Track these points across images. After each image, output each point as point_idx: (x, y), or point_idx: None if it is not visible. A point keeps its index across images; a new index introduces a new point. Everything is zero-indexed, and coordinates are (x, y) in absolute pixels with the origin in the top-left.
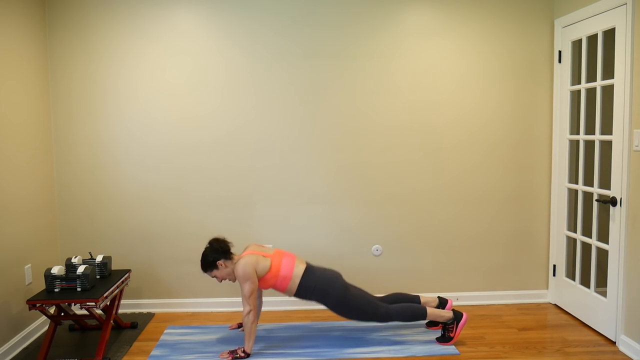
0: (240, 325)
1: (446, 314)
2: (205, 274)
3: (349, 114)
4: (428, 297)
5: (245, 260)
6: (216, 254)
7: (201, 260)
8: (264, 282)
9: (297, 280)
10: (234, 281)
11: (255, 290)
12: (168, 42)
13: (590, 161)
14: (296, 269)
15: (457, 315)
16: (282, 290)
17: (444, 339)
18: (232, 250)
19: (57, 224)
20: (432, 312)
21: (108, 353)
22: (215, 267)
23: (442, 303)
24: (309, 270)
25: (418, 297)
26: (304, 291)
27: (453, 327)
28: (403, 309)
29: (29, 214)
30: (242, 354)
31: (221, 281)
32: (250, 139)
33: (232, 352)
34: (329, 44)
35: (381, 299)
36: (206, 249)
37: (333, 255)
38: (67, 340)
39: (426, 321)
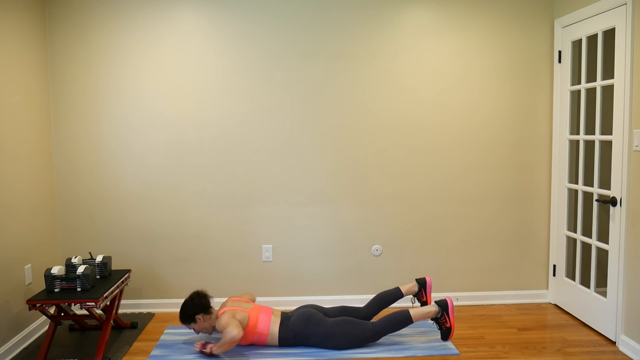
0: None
1: (431, 308)
2: (183, 325)
3: (348, 114)
4: (407, 286)
5: (225, 315)
6: (196, 308)
7: (180, 312)
8: (242, 337)
9: (275, 336)
10: (210, 333)
11: (236, 320)
12: (168, 42)
13: (590, 161)
14: (272, 325)
15: (442, 305)
16: (263, 344)
17: (445, 334)
18: (212, 303)
19: (57, 223)
20: (417, 313)
21: (108, 353)
22: (194, 320)
23: (421, 284)
24: (284, 322)
25: (398, 289)
26: (285, 342)
27: (445, 318)
28: (387, 322)
29: (29, 213)
30: (208, 351)
31: (198, 333)
32: (250, 138)
33: (204, 345)
34: (327, 46)
35: (364, 308)
36: (187, 302)
37: (333, 255)
38: (67, 340)
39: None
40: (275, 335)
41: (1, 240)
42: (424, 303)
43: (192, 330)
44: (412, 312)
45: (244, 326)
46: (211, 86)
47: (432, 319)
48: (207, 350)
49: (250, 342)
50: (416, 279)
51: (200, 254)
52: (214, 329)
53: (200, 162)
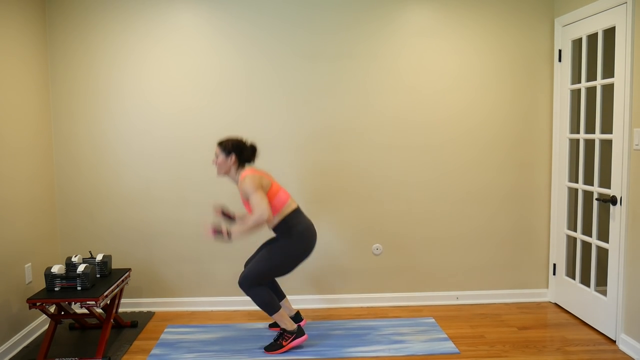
0: (224, 214)
1: (292, 324)
2: (216, 147)
3: (347, 113)
4: (289, 305)
5: (251, 174)
6: (240, 152)
7: (227, 139)
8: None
9: (283, 215)
10: (218, 174)
11: (265, 195)
12: (168, 41)
13: (591, 160)
14: (288, 205)
15: (300, 331)
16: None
17: (273, 347)
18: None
19: (57, 222)
20: (283, 315)
21: (108, 352)
22: (228, 154)
23: (296, 318)
24: (299, 212)
25: (285, 296)
26: (282, 227)
27: (290, 338)
28: (264, 291)
29: (29, 212)
30: (225, 233)
31: (214, 163)
32: (250, 137)
33: (217, 228)
34: (327, 46)
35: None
36: (240, 140)
37: (333, 254)
38: (67, 339)
39: (272, 321)
40: (282, 216)
41: (1, 239)
42: (280, 345)
43: (218, 235)
44: (281, 311)
45: (265, 192)
46: (211, 85)
47: (280, 329)
48: (224, 231)
49: None
50: (297, 322)
51: (201, 253)
52: (225, 175)
53: (201, 160)
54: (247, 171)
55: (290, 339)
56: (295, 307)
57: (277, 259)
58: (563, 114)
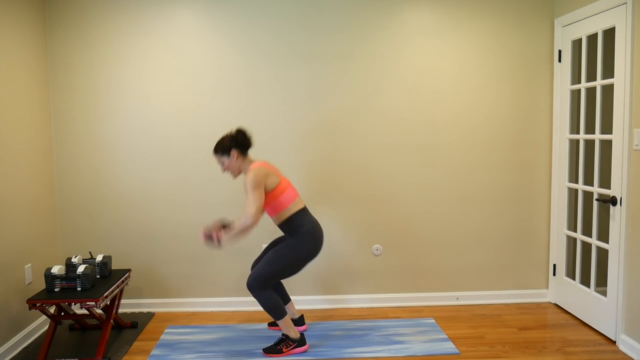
0: (223, 227)
1: (296, 332)
2: (215, 157)
3: (347, 113)
4: (294, 309)
5: (258, 168)
6: (235, 143)
7: (217, 143)
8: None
9: (289, 213)
10: (234, 177)
11: (262, 203)
12: (168, 42)
13: (591, 160)
14: (294, 203)
15: (302, 341)
16: (272, 214)
17: (273, 350)
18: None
19: (57, 223)
20: (288, 322)
21: (108, 352)
22: (228, 154)
23: (299, 322)
24: (305, 211)
25: (290, 300)
26: (288, 226)
27: (291, 345)
28: (272, 296)
29: (29, 213)
30: (215, 238)
31: (224, 171)
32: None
33: (209, 232)
34: (326, 46)
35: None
36: (227, 135)
37: (333, 255)
38: (67, 339)
39: (272, 320)
40: (289, 213)
41: (1, 239)
42: (279, 350)
43: (208, 240)
44: (286, 317)
45: (272, 189)
46: (211, 85)
47: (283, 334)
48: (214, 237)
49: (266, 205)
50: (299, 325)
51: (201, 253)
52: (239, 174)
53: (201, 160)
54: (256, 164)
55: (292, 346)
56: (295, 307)
57: (285, 260)
58: (563, 114)
